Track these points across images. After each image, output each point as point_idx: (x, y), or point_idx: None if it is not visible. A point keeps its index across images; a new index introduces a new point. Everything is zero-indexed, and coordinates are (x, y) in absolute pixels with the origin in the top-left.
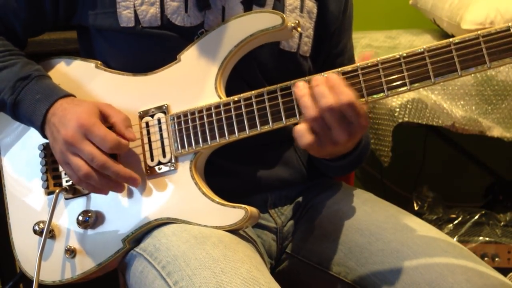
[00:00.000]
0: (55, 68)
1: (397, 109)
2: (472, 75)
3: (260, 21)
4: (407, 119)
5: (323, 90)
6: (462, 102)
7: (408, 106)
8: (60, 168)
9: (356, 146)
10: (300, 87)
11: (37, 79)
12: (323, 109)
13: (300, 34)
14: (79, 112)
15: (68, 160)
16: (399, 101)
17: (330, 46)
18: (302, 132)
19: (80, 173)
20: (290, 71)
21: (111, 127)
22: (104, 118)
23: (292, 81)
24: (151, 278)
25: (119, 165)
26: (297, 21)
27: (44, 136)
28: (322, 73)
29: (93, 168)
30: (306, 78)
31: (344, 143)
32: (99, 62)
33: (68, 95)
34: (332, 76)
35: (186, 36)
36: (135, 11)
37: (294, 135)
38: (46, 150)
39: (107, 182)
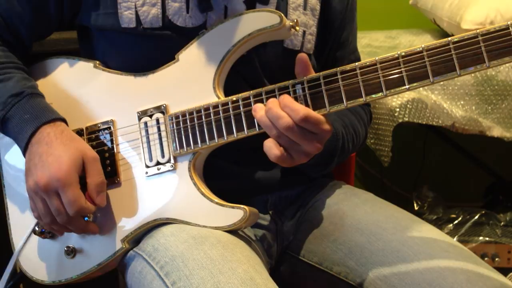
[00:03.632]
0: (54, 68)
1: (397, 109)
2: (472, 74)
3: (258, 20)
4: (407, 119)
5: (276, 112)
6: (462, 102)
7: (408, 106)
8: None
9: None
10: (257, 110)
11: (29, 97)
12: (282, 129)
13: (304, 32)
14: (62, 160)
15: (35, 199)
16: (399, 101)
17: (333, 41)
18: (270, 147)
19: (44, 219)
20: (293, 69)
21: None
22: (84, 170)
23: (291, 81)
24: (150, 279)
25: (80, 222)
26: (295, 20)
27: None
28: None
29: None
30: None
31: (317, 152)
32: (98, 62)
33: (57, 118)
34: (283, 96)
35: (187, 37)
36: (136, 12)
37: (264, 149)
38: None
39: (67, 230)
